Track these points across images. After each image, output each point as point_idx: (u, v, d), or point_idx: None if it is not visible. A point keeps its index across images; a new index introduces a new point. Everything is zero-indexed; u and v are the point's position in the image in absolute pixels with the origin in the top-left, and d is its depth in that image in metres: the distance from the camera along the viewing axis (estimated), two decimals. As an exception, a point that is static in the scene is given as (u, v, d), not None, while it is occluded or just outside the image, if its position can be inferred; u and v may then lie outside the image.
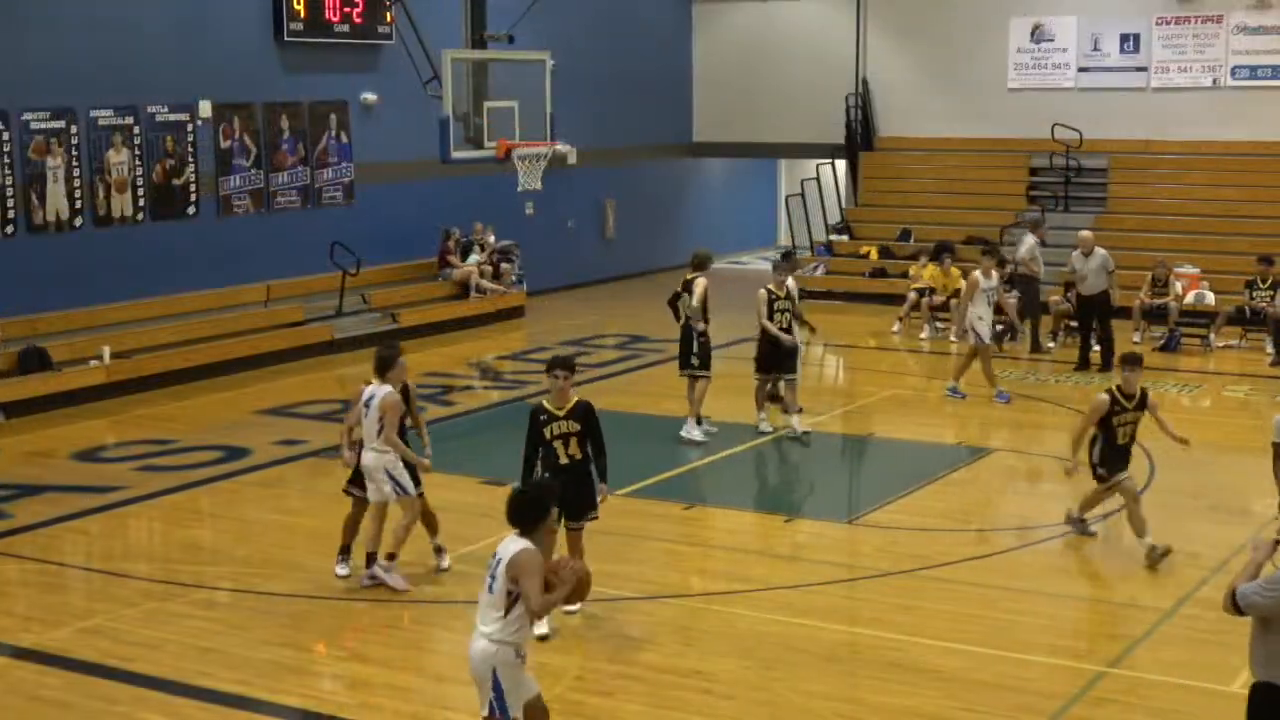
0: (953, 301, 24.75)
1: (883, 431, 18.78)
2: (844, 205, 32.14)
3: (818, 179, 31.86)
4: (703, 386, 17.59)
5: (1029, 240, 23.41)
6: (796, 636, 11.44)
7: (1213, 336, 23.66)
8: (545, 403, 11.64)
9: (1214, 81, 28.78)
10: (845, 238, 30.78)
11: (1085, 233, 22.94)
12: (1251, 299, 23.48)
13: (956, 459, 16.75)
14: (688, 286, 17.50)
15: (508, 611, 8.24)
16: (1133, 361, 13.32)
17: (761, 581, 12.71)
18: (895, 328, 25.33)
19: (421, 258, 26.72)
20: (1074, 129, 28.74)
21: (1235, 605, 7.64)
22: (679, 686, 10.54)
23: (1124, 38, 29.48)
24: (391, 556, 12.56)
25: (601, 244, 31.83)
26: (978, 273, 20.03)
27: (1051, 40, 30.15)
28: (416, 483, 12.69)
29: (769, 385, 18.02)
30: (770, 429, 17.79)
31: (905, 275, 26.99)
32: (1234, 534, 13.88)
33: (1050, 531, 14.11)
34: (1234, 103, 28.53)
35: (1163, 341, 23.50)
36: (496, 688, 8.26)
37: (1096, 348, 22.02)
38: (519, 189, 22.57)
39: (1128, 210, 28.48)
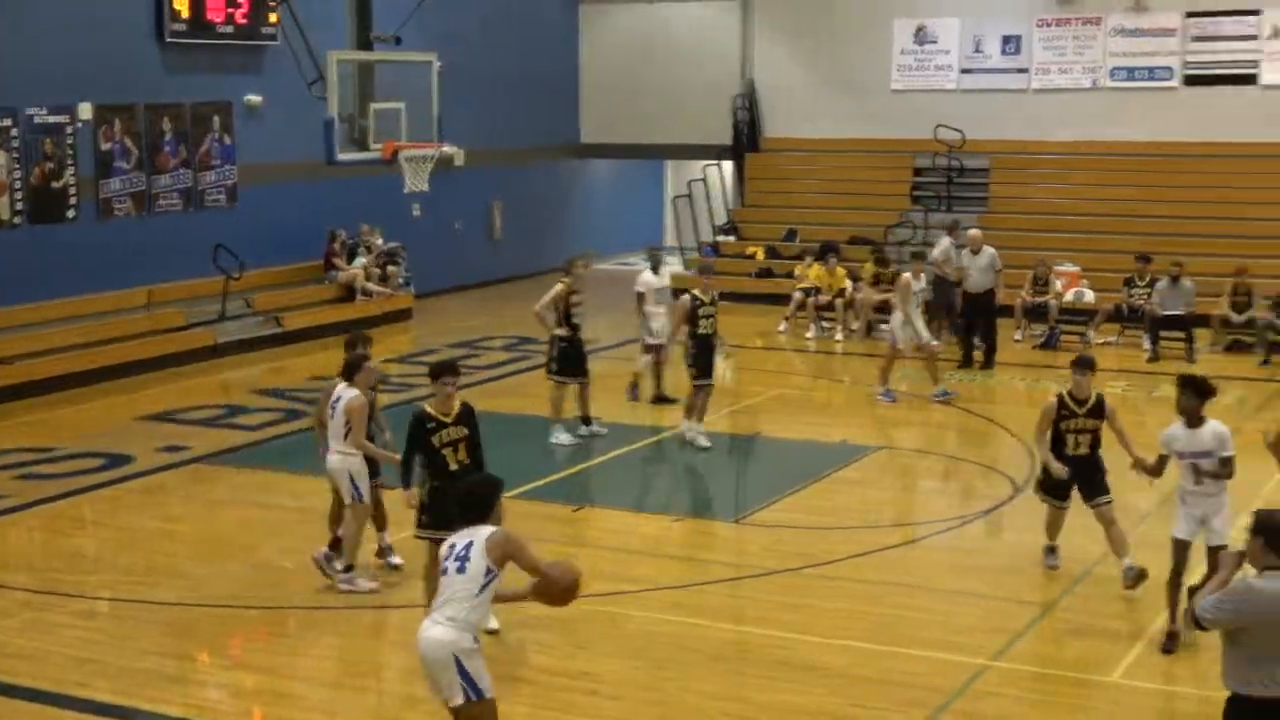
0: (838, 301, 25.00)
1: (769, 431, 18.89)
2: (730, 206, 32.28)
3: (704, 180, 31.97)
4: (559, 391, 17.47)
5: (944, 242, 23.55)
6: (684, 636, 11.46)
7: (1092, 333, 24.04)
8: (430, 409, 11.34)
9: (1093, 82, 29.25)
10: (732, 238, 30.93)
11: (974, 231, 23.23)
12: (1129, 296, 23.89)
13: (842, 457, 16.87)
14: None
15: (481, 590, 8.09)
16: (1082, 364, 12.44)
17: (649, 581, 12.72)
18: (781, 327, 25.48)
19: (307, 260, 26.45)
20: (956, 130, 29.07)
21: (1197, 620, 7.46)
22: (567, 688, 10.53)
23: (1005, 39, 29.89)
24: (350, 568, 12.49)
25: (489, 245, 31.72)
26: (908, 275, 19.98)
27: (934, 42, 30.49)
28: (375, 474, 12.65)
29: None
30: (707, 443, 17.23)
31: (791, 275, 27.15)
32: (1113, 528, 14.10)
33: (934, 528, 14.26)
34: (1113, 103, 29.02)
35: (1043, 339, 23.85)
36: (462, 671, 8.11)
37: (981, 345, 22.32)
38: (406, 190, 22.46)
39: (1009, 210, 28.86)
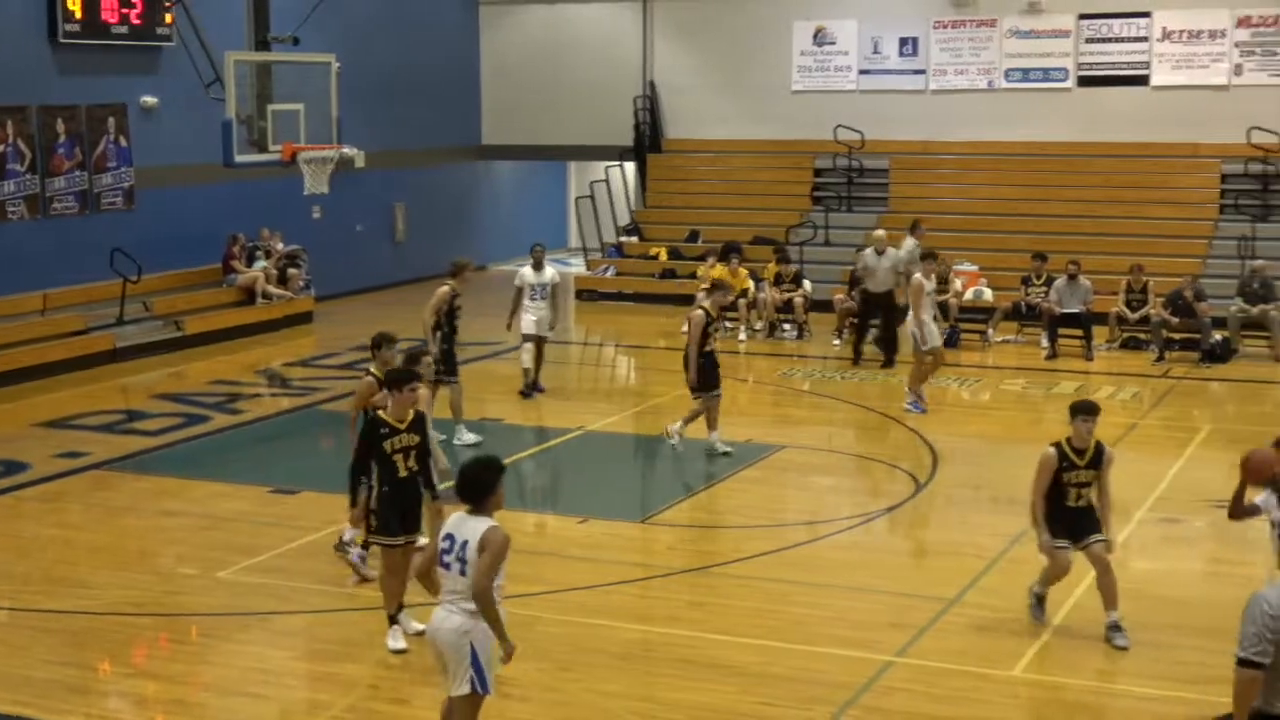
0: (741, 301, 25.07)
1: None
2: (633, 207, 32.32)
3: (607, 181, 31.98)
4: (444, 393, 17.37)
5: (909, 242, 23.68)
6: (591, 637, 11.45)
7: (991, 332, 24.32)
8: (384, 414, 11.17)
9: (989, 84, 29.60)
10: (635, 239, 30.97)
11: (879, 232, 23.46)
12: (1027, 295, 24.18)
13: (747, 457, 16.92)
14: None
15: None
16: (1086, 410, 11.33)
17: (556, 583, 12.69)
18: (685, 328, 25.45)
19: (206, 264, 26.15)
20: (856, 130, 29.30)
21: (1246, 663, 7.09)
22: (475, 691, 10.47)
23: (903, 41, 30.15)
24: (367, 545, 12.46)
25: (391, 248, 31.54)
26: (919, 276, 19.50)
27: (833, 43, 30.70)
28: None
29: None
30: (728, 448, 17.02)
31: (694, 276, 27.20)
32: (1013, 524, 14.22)
33: (837, 525, 14.34)
34: (1008, 104, 29.38)
35: (943, 337, 24.03)
36: (475, 662, 8.32)
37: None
38: (306, 193, 22.26)
39: (909, 210, 29.01)
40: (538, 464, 17.22)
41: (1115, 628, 11.22)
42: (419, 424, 11.23)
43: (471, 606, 8.29)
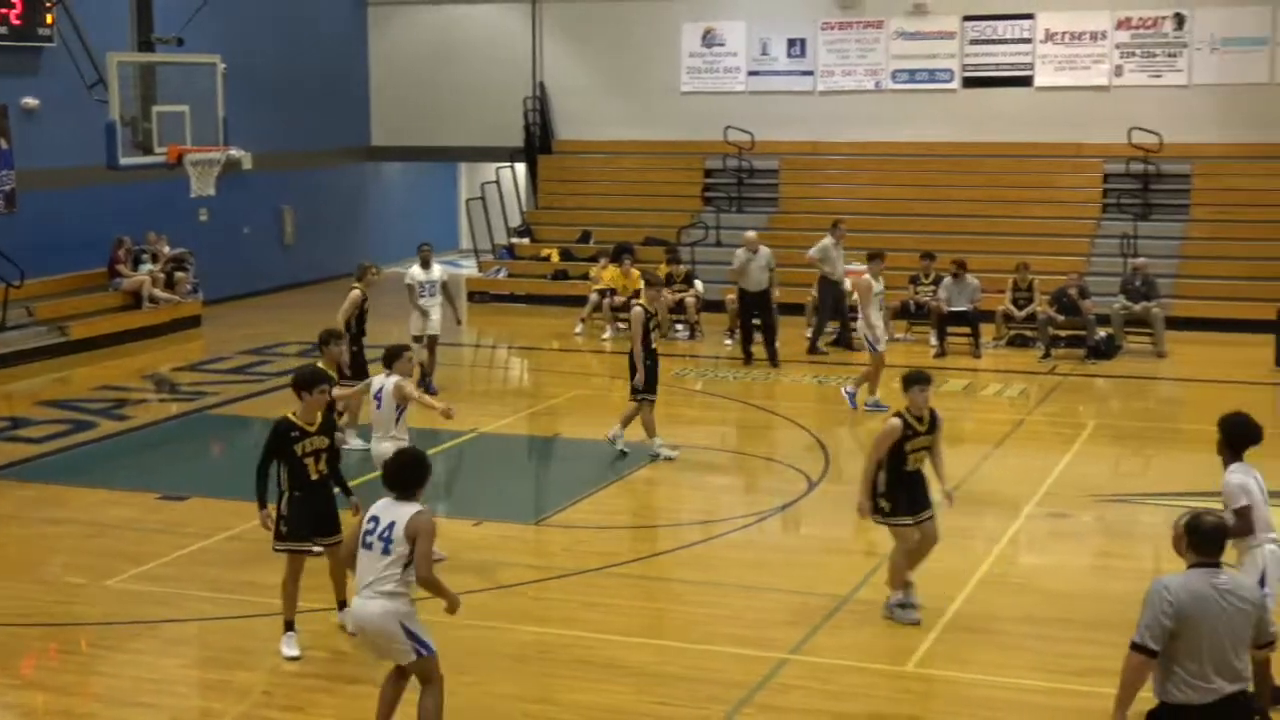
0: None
1: (568, 432, 18.92)
2: (524, 208, 32.26)
3: (498, 182, 31.90)
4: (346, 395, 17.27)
5: (825, 241, 23.79)
6: (487, 639, 11.40)
7: (881, 330, 24.51)
8: (294, 417, 10.98)
9: (876, 85, 29.89)
10: (526, 240, 30.91)
11: (750, 233, 23.67)
12: (916, 294, 24.44)
13: (640, 457, 16.93)
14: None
15: (405, 568, 8.75)
16: (922, 381, 11.73)
17: (451, 586, 12.61)
18: (578, 329, 25.52)
19: (91, 268, 25.74)
20: (746, 131, 29.46)
21: (1137, 647, 7.31)
22: (370, 696, 10.36)
23: (791, 42, 30.37)
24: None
25: (280, 251, 31.24)
26: (868, 276, 19.40)
27: (722, 45, 30.85)
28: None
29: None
30: (675, 453, 16.90)
31: (586, 277, 27.25)
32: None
33: (731, 524, 14.40)
34: (895, 105, 29.70)
35: (834, 337, 24.24)
36: (410, 634, 8.88)
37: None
38: (192, 195, 22.04)
39: (799, 210, 29.32)
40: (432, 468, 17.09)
41: (901, 602, 11.75)
42: (328, 427, 11.17)
43: (387, 588, 8.73)
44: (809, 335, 24.09)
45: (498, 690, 10.49)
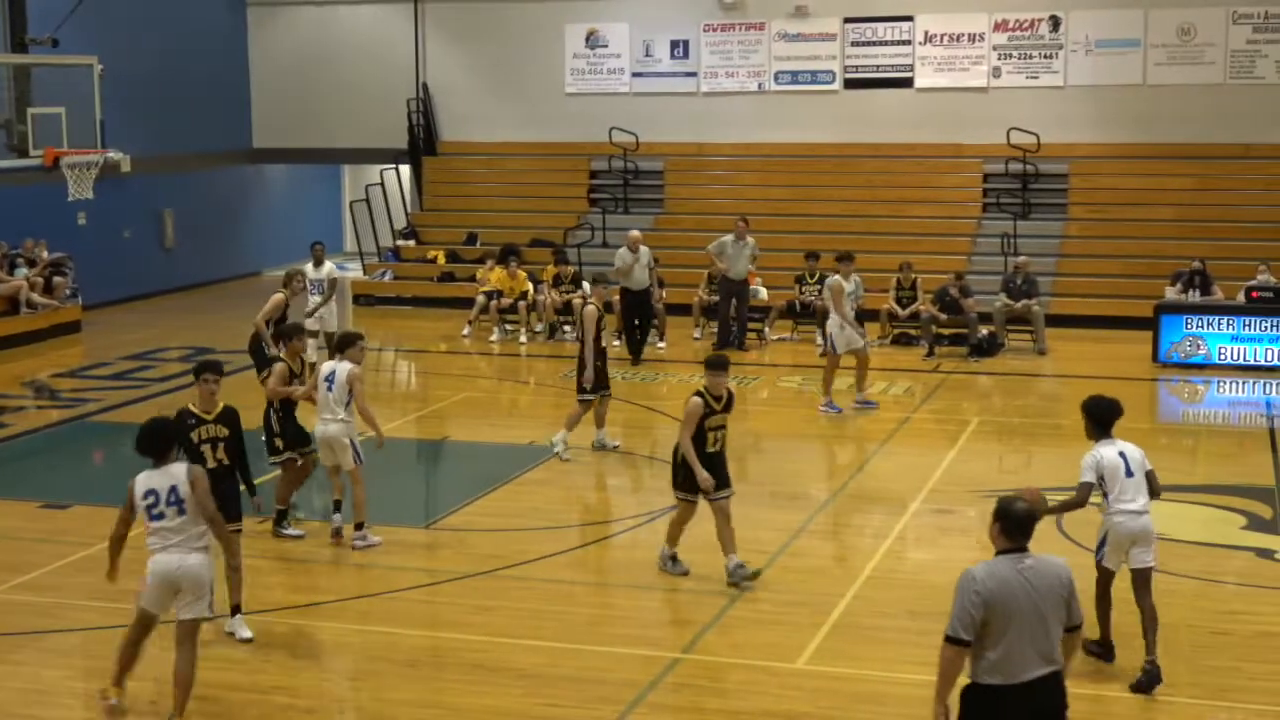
0: (521, 304, 25.08)
1: (457, 435, 18.84)
2: (409, 210, 32.07)
3: (382, 184, 31.69)
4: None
5: (725, 238, 23.82)
6: (378, 645, 11.34)
7: (767, 330, 24.69)
8: (191, 406, 11.44)
9: (759, 86, 30.07)
10: (412, 242, 30.73)
11: (634, 232, 23.78)
12: (801, 293, 24.61)
13: (530, 459, 16.91)
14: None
15: (197, 522, 9.63)
16: (719, 365, 12.50)
17: (339, 592, 12.56)
18: (465, 331, 25.41)
19: (-35, 273, 25.23)
20: (630, 132, 29.52)
21: (951, 639, 7.45)
22: (259, 704, 10.30)
23: (674, 44, 30.46)
24: (360, 525, 13.62)
25: (161, 254, 30.81)
26: (838, 277, 19.34)
27: (606, 46, 30.88)
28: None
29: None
30: (617, 443, 17.35)
31: (473, 279, 27.14)
32: (792, 518, 14.52)
33: (622, 525, 14.43)
34: (778, 106, 29.90)
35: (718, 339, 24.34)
36: (212, 588, 9.85)
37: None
38: (70, 199, 21.68)
39: (684, 210, 29.44)
40: (318, 471, 16.94)
41: (740, 567, 12.43)
42: (228, 417, 11.44)
43: (202, 543, 9.67)
44: (695, 335, 24.23)
45: (389, 696, 10.42)
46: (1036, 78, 28.76)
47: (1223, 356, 22.16)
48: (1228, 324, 22.21)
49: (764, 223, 28.16)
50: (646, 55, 30.70)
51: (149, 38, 29.57)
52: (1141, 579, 10.57)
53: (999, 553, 7.48)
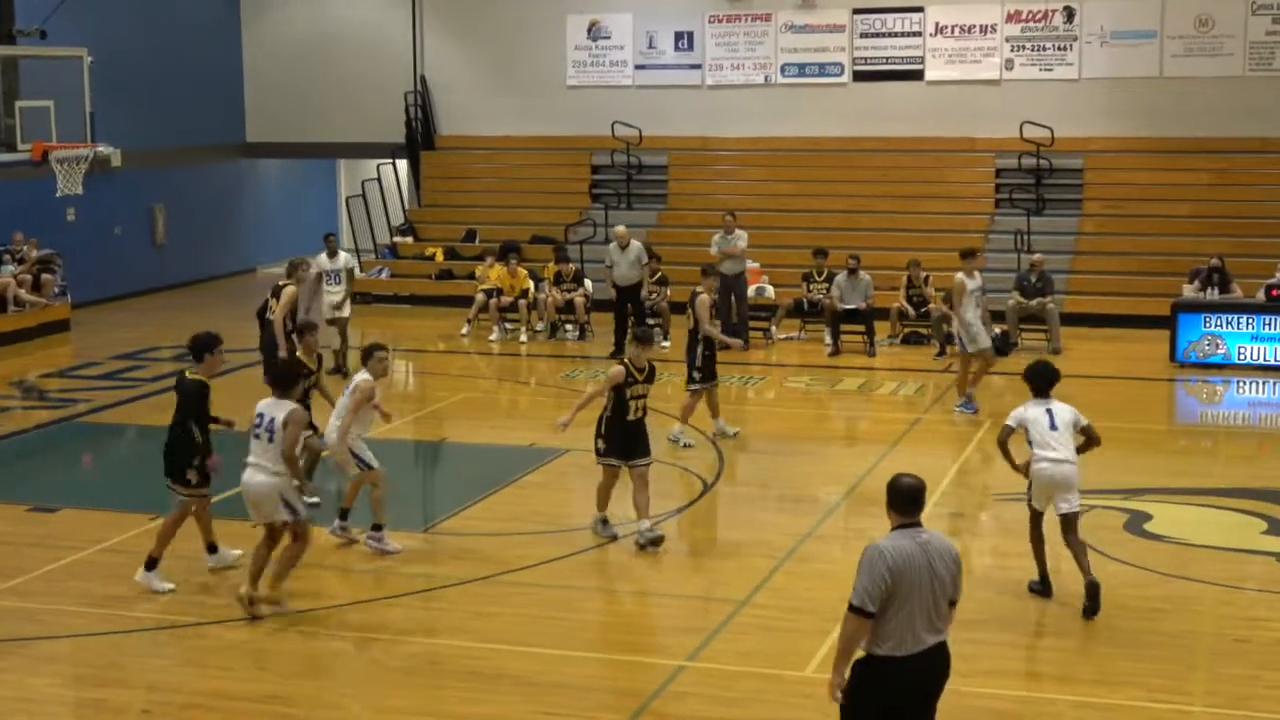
0: (521, 302, 25.04)
1: (456, 436, 18.83)
2: (407, 206, 32.07)
3: (379, 179, 31.69)
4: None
5: (716, 235, 23.85)
6: (375, 652, 11.33)
7: (774, 329, 24.68)
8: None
9: (765, 79, 30.05)
10: (409, 239, 30.72)
11: (620, 227, 23.90)
12: (809, 291, 24.60)
13: (530, 461, 16.91)
14: (276, 293, 17.78)
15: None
16: (643, 339, 13.90)
17: (338, 597, 12.55)
18: (464, 330, 25.40)
19: (-49, 270, 25.26)
20: (633, 126, 29.50)
21: (857, 610, 7.86)
22: (254, 713, 10.30)
23: (678, 35, 30.45)
24: (379, 527, 13.68)
25: (152, 251, 30.81)
26: (961, 275, 19.27)
27: (608, 38, 30.86)
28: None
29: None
30: (737, 431, 18.00)
31: (472, 277, 27.13)
32: (801, 522, 14.50)
33: (625, 529, 14.41)
34: (785, 99, 29.87)
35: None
36: (285, 502, 11.94)
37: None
38: (59, 194, 21.69)
39: (688, 206, 29.42)
40: (317, 475, 16.94)
41: (650, 531, 13.50)
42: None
43: (276, 467, 11.70)
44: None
45: (386, 704, 10.42)
46: (1050, 70, 28.73)
47: (1242, 356, 22.13)
48: (1247, 323, 22.19)
49: (770, 219, 28.23)
50: (650, 47, 30.67)
51: (139, 28, 29.58)
52: (1066, 523, 12.01)
53: (895, 528, 7.93)
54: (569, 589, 12.83)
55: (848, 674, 7.86)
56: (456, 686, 10.74)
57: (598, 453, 13.78)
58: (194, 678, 10.87)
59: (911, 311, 24.01)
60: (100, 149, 21.92)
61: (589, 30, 30.95)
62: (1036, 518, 12.28)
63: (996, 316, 23.37)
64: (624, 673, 10.92)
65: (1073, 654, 11.26)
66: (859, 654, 7.86)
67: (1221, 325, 22.24)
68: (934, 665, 7.90)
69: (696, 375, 17.32)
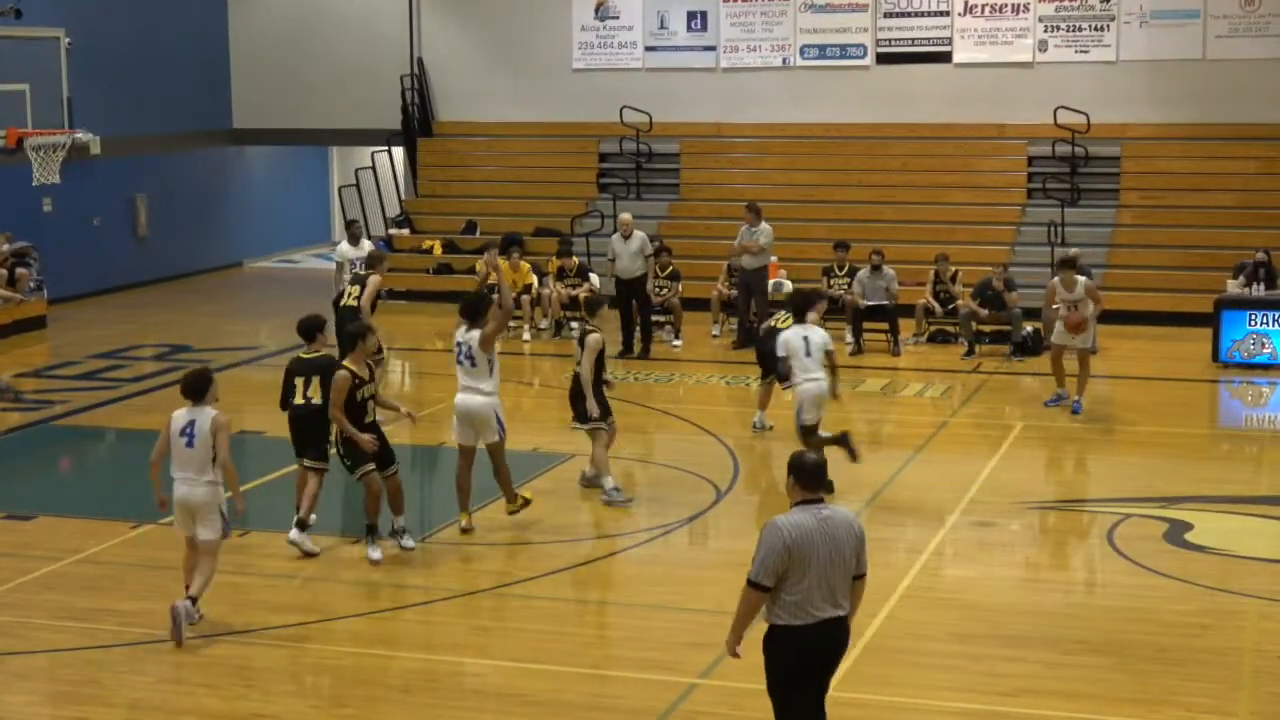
0: (524, 298, 25.04)
1: (454, 441, 18.80)
2: (403, 196, 32.10)
3: (373, 168, 31.73)
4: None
5: (743, 229, 23.88)
6: (368, 668, 11.36)
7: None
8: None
9: (783, 61, 30.04)
10: (406, 231, 30.76)
11: (625, 215, 23.94)
12: (829, 286, 24.55)
13: (533, 466, 16.93)
14: (360, 281, 19.40)
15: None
16: (362, 334, 14.04)
17: (327, 611, 12.57)
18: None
19: (-79, 264, 25.33)
20: (643, 111, 29.50)
21: (755, 585, 8.54)
22: (239, 733, 10.34)
23: (691, 15, 30.44)
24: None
25: (134, 244, 30.88)
26: (1055, 279, 19.61)
27: (616, 18, 30.86)
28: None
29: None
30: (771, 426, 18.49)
31: (472, 271, 27.13)
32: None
33: (633, 539, 14.44)
34: (804, 83, 29.86)
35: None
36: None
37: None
38: (34, 183, 21.73)
39: (701, 197, 29.43)
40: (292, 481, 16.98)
41: (403, 530, 14.08)
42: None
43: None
44: (714, 332, 24.23)
45: (381, 724, 10.46)
46: (1086, 52, 28.70)
47: (1289, 356, 22.14)
48: (1295, 320, 22.17)
49: (789, 210, 28.20)
50: (661, 28, 30.68)
51: (120, 7, 29.64)
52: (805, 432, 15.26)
53: (796, 504, 8.56)
54: (574, 602, 12.85)
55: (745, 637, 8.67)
56: (456, 706, 10.77)
57: (357, 465, 13.79)
58: (177, 695, 10.90)
59: (938, 308, 24.00)
60: (79, 135, 21.94)
61: (596, 9, 30.97)
62: (808, 431, 15.54)
63: (1028, 314, 23.31)
64: (633, 691, 10.93)
65: (1111, 671, 11.25)
66: (763, 624, 8.54)
67: (1268, 323, 22.20)
68: (833, 636, 8.57)
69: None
